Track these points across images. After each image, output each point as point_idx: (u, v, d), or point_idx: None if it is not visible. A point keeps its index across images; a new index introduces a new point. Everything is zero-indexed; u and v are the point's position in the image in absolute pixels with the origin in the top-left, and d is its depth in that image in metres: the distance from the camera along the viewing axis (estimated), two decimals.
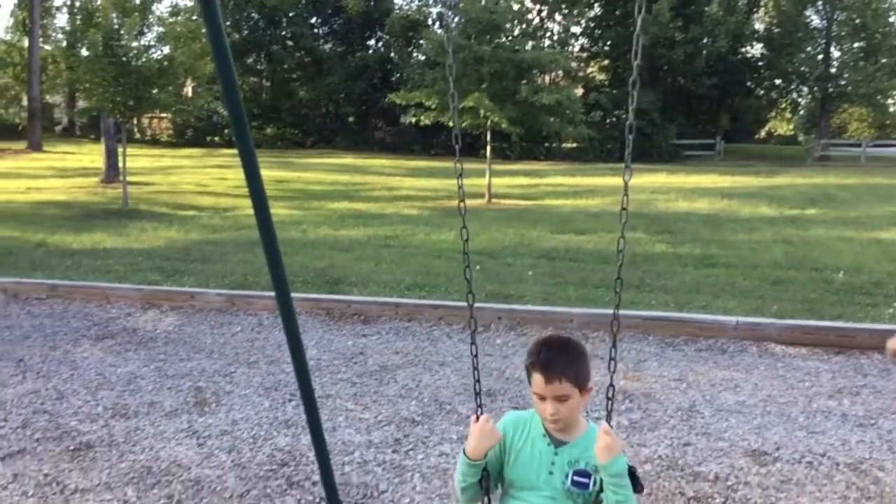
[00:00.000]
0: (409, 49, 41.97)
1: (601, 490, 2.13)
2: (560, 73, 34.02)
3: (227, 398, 5.22)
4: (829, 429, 4.69)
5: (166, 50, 17.00)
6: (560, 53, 25.23)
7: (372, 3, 42.55)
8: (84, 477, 4.07)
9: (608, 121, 37.57)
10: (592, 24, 42.13)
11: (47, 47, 36.48)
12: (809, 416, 4.90)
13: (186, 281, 8.72)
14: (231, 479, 4.04)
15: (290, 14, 42.42)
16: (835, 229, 13.20)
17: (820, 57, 42.01)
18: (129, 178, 17.01)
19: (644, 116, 33.56)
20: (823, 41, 41.99)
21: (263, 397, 5.24)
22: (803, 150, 39.00)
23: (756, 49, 44.49)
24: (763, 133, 57.93)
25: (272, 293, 3.19)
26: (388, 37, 43.55)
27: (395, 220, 14.36)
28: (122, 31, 15.87)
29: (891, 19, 40.84)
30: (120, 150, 17.36)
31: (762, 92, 45.80)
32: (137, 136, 40.04)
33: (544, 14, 41.93)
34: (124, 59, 15.69)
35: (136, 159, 24.45)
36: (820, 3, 41.41)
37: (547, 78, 30.39)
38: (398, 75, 39.35)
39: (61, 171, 24.37)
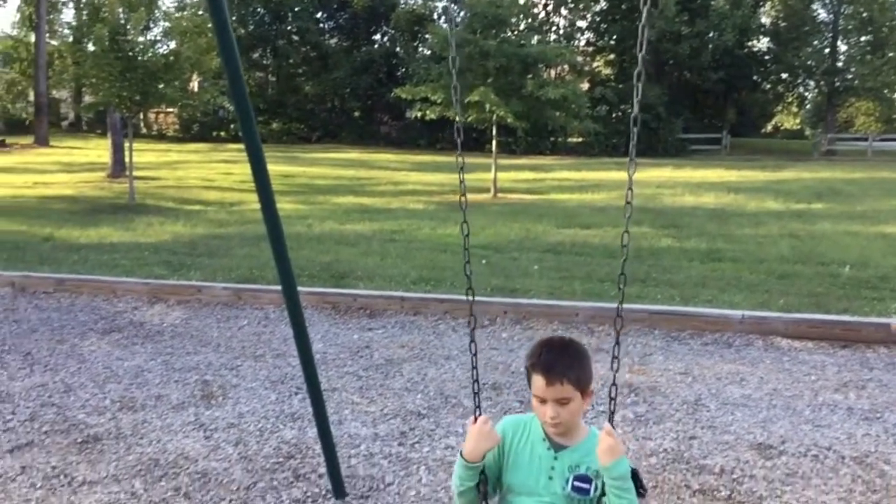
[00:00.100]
0: (415, 43, 41.95)
1: (602, 495, 2.07)
2: (566, 67, 33.83)
3: (233, 391, 5.25)
4: (834, 422, 4.69)
5: (172, 45, 17.04)
6: (566, 48, 25.13)
7: None
8: (92, 469, 4.09)
9: (614, 115, 37.46)
10: (598, 19, 41.95)
11: (54, 42, 36.46)
12: (815, 409, 4.90)
13: (193, 275, 8.75)
14: (238, 472, 4.06)
15: (296, 9, 42.38)
16: (841, 223, 13.17)
17: (827, 51, 41.78)
18: (135, 173, 17.06)
19: (650, 111, 33.47)
20: (830, 35, 41.77)
21: (270, 390, 5.26)
22: (810, 145, 38.80)
23: (762, 43, 44.32)
24: (769, 127, 57.68)
25: (278, 287, 3.20)
26: (393, 31, 43.51)
27: (401, 215, 14.37)
28: (128, 26, 15.92)
29: None
30: (126, 144, 17.43)
31: (768, 86, 45.63)
32: (144, 130, 40.07)
33: (550, 8, 41.75)
34: (130, 54, 15.74)
35: (143, 154, 24.50)
36: None
37: (553, 72, 30.35)
38: (404, 70, 39.26)
39: (68, 166, 24.44)
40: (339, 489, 3.82)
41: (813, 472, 4.04)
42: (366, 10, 42.66)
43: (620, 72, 39.62)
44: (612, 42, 40.77)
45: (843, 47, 42.15)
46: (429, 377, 5.52)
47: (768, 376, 5.51)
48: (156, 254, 10.17)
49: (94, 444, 4.40)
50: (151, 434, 4.54)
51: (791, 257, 9.94)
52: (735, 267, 9.34)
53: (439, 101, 17.57)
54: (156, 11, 17.02)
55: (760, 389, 5.25)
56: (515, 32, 22.24)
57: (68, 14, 40.38)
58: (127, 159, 17.07)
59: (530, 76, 18.79)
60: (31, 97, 39.12)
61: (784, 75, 43.82)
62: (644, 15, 2.12)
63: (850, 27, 40.93)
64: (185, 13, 18.32)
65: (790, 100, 49.38)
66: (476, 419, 2.20)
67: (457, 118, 2.42)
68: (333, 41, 45.10)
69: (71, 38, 19.50)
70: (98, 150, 29.03)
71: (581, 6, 41.16)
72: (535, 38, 26.31)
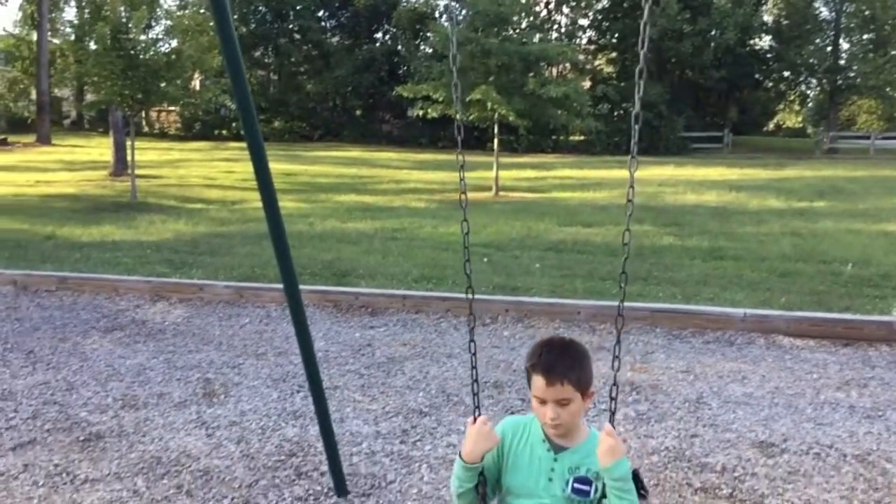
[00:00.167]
0: (417, 42, 41.90)
1: (603, 497, 2.05)
2: (567, 65, 33.91)
3: (235, 389, 5.25)
4: (836, 420, 4.68)
5: (174, 43, 17.05)
6: (567, 46, 25.12)
7: None
8: (94, 467, 4.10)
9: (616, 113, 37.46)
10: (600, 17, 41.93)
11: (56, 41, 36.52)
12: (817, 407, 4.89)
13: (195, 273, 8.76)
14: (240, 470, 4.07)
15: (298, 7, 42.36)
16: (843, 222, 13.16)
17: (829, 49, 41.74)
18: (137, 172, 17.06)
19: (652, 109, 33.46)
20: (832, 33, 41.75)
21: (272, 388, 5.27)
22: (812, 143, 38.77)
23: (765, 41, 44.23)
24: (771, 125, 57.59)
25: (280, 285, 3.20)
26: (395, 30, 43.49)
27: (403, 213, 14.37)
28: (130, 25, 15.92)
29: None
30: (128, 143, 17.42)
31: (771, 84, 45.53)
32: (146, 129, 40.09)
33: (552, 6, 41.76)
34: (132, 52, 15.74)
35: (145, 152, 24.52)
36: None
37: (554, 70, 30.35)
38: (405, 68, 39.24)
39: (70, 165, 24.45)
40: (340, 487, 3.82)
41: (815, 470, 4.04)
42: (367, 8, 42.65)
43: (622, 70, 39.60)
44: (614, 40, 40.72)
45: (845, 45, 42.20)
46: (430, 375, 5.52)
47: (770, 374, 5.51)
48: (158, 252, 10.18)
49: (96, 441, 4.41)
50: (153, 432, 4.55)
51: (793, 255, 9.93)
52: (737, 265, 9.33)
53: (441, 99, 17.57)
54: (157, 10, 17.06)
55: (762, 388, 5.25)
56: (517, 30, 22.25)
57: (70, 12, 40.38)
58: (129, 157, 17.07)
59: (532, 74, 18.80)
60: (33, 95, 39.20)
61: (786, 73, 43.78)
62: (646, 12, 2.12)
63: (852, 25, 40.87)
64: (187, 11, 18.37)
65: (792, 98, 49.32)
66: (475, 419, 2.18)
67: (458, 116, 2.41)
68: (335, 39, 45.09)
69: (73, 37, 19.48)
70: (100, 149, 29.06)
71: (583, 4, 41.18)
72: (537, 37, 26.26)
